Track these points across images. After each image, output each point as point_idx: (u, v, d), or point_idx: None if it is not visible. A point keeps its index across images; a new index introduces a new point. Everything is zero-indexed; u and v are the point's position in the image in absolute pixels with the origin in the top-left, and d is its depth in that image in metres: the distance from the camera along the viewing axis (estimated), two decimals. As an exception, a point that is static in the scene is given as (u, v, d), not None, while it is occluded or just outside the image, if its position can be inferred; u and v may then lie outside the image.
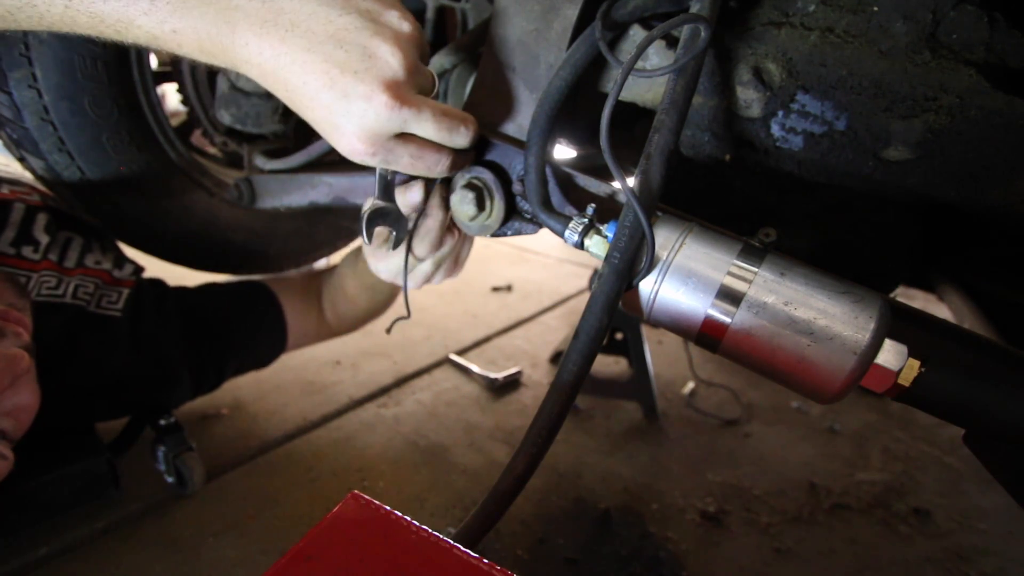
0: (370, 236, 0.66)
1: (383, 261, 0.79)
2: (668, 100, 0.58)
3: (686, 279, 0.57)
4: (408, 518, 0.46)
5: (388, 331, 0.84)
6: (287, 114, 1.10)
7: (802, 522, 1.18)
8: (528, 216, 0.78)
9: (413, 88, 0.54)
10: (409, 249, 0.74)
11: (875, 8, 0.58)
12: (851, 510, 1.23)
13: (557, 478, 1.23)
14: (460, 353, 1.72)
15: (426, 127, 0.55)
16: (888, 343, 0.53)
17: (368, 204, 0.67)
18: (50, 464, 0.87)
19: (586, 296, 0.85)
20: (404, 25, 0.53)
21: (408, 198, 0.69)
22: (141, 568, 0.92)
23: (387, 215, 0.67)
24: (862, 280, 0.57)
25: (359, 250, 1.07)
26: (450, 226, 0.76)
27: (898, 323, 0.54)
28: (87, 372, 0.93)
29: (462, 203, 0.76)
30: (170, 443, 1.01)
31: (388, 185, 0.66)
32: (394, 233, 0.69)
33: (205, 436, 1.24)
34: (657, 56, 0.68)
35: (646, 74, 0.68)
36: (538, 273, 2.58)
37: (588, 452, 1.32)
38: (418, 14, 1.31)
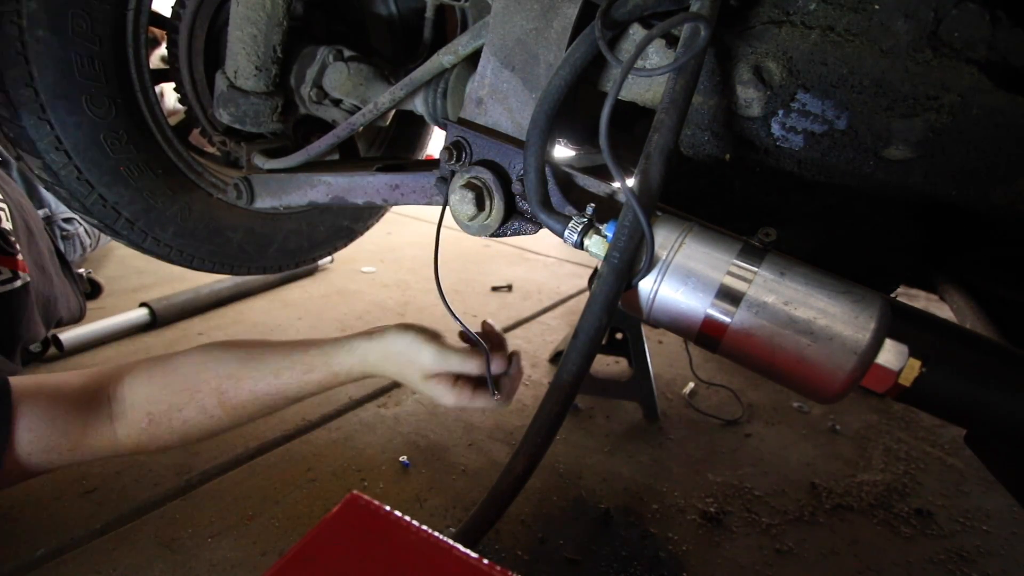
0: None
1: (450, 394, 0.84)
2: (668, 99, 0.58)
3: (686, 279, 0.57)
4: (408, 518, 0.46)
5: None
6: (286, 113, 1.10)
7: (803, 523, 1.17)
8: (528, 216, 0.77)
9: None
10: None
11: (876, 6, 0.58)
12: (852, 511, 1.22)
13: (557, 478, 1.22)
14: (460, 353, 1.72)
15: None
16: (889, 343, 0.53)
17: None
18: None
19: (586, 296, 0.85)
20: None
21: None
22: (139, 569, 0.91)
23: None
24: (863, 280, 0.57)
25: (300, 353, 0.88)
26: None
27: (899, 323, 0.54)
28: None
29: (461, 203, 0.76)
30: None
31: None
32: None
33: (204, 436, 1.23)
34: (657, 55, 0.68)
35: (646, 73, 0.68)
36: (538, 273, 2.58)
37: (588, 452, 1.32)
38: (417, 13, 1.31)
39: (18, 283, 1.29)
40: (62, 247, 1.79)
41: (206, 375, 0.86)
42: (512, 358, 0.86)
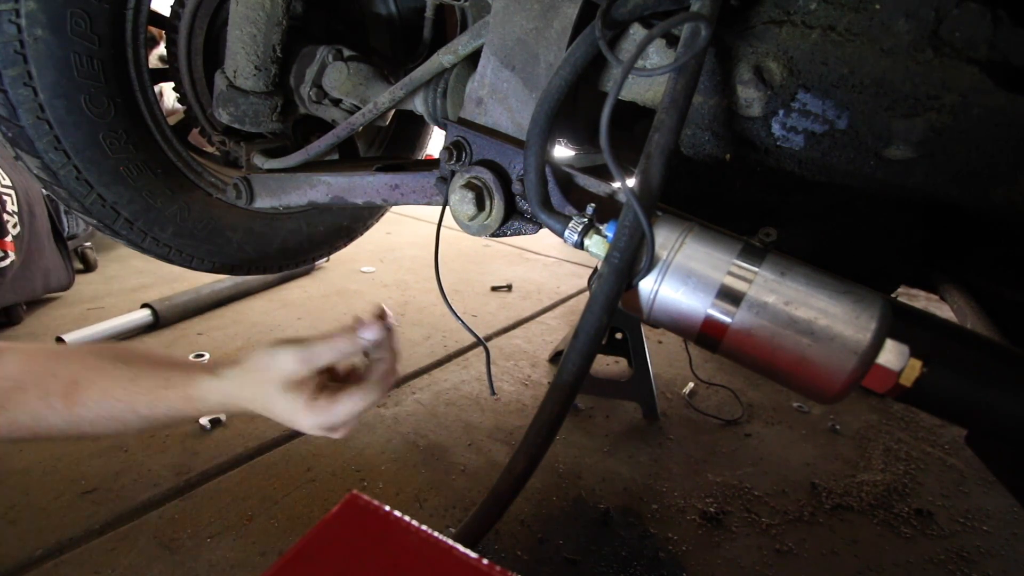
0: None
1: (324, 413, 0.67)
2: (668, 99, 0.58)
3: (686, 279, 0.57)
4: (408, 518, 0.46)
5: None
6: (285, 112, 1.09)
7: (803, 523, 1.17)
8: (528, 216, 0.77)
9: None
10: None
11: (877, 6, 0.58)
12: (852, 511, 1.22)
13: (557, 478, 1.22)
14: (460, 353, 1.72)
15: None
16: (890, 343, 0.53)
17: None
18: None
19: (586, 296, 0.85)
20: None
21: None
22: (138, 569, 0.91)
23: None
24: (863, 280, 0.57)
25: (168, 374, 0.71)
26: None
27: (900, 323, 0.54)
28: None
29: (462, 203, 0.76)
30: None
31: None
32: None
33: (203, 437, 1.23)
34: (657, 55, 0.68)
35: (646, 73, 0.68)
36: (538, 273, 2.58)
37: (588, 452, 1.32)
38: (417, 12, 1.31)
39: (7, 262, 1.63)
40: (65, 221, 1.93)
41: (71, 365, 0.71)
42: (390, 331, 0.68)
